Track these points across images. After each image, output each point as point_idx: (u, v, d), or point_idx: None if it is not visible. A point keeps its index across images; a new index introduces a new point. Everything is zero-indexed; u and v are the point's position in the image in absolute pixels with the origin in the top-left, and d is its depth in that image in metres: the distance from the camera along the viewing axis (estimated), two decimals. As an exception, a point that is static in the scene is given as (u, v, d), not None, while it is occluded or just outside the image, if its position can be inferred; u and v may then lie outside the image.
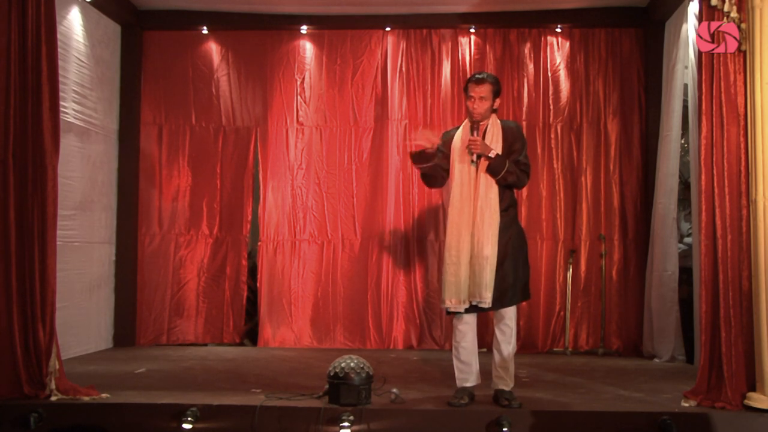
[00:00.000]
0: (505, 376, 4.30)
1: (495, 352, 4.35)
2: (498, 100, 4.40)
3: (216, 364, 5.90)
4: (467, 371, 4.36)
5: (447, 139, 4.46)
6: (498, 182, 4.28)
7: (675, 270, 6.11)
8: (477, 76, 4.39)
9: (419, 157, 4.38)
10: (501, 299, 4.25)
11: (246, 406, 4.15)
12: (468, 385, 4.35)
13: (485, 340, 5.83)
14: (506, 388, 4.28)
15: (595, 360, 6.30)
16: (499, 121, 4.42)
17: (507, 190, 4.36)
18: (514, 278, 4.28)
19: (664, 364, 5.95)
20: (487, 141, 4.31)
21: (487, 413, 4.08)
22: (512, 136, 4.39)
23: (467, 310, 4.30)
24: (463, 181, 4.30)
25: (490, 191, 4.27)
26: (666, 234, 6.22)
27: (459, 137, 4.40)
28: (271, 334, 6.97)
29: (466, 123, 4.43)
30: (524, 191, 6.84)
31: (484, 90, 4.31)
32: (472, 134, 4.27)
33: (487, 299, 4.18)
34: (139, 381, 5.04)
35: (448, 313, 4.40)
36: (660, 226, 6.28)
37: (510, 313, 4.32)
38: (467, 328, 4.35)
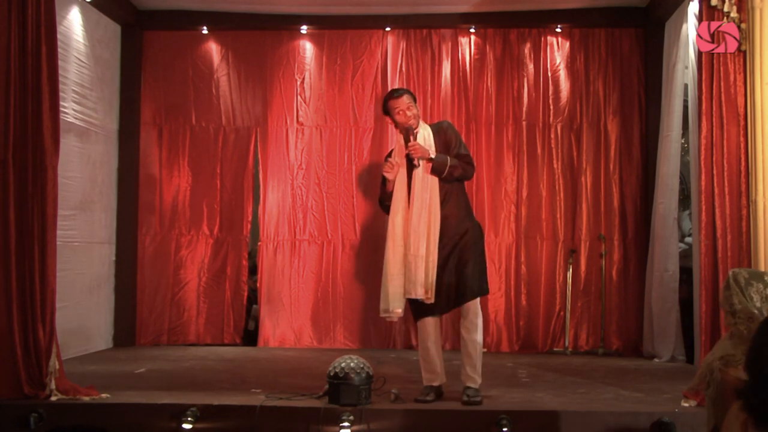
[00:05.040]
0: (472, 374, 4.32)
1: (462, 349, 4.38)
2: (417, 106, 4.55)
3: (216, 364, 5.91)
4: (432, 371, 4.40)
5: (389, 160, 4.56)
6: (445, 179, 4.36)
7: (675, 270, 6.11)
8: (395, 94, 4.51)
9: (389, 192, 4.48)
10: (460, 296, 4.31)
11: (246, 406, 4.15)
12: (434, 384, 4.39)
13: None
14: (473, 386, 4.30)
15: (595, 360, 6.30)
16: (426, 125, 4.53)
17: (454, 188, 4.42)
18: (471, 274, 4.32)
19: (664, 364, 5.94)
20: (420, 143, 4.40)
21: (487, 413, 4.08)
22: (444, 133, 4.50)
23: (428, 313, 4.34)
24: (398, 187, 4.39)
25: (425, 192, 4.33)
26: (666, 234, 6.21)
27: (395, 153, 4.50)
28: (271, 334, 6.97)
29: (398, 139, 4.53)
30: (524, 191, 6.86)
31: (405, 100, 4.44)
32: (409, 140, 4.37)
33: (420, 296, 4.24)
34: (139, 381, 5.04)
35: (416, 319, 4.48)
36: (660, 226, 6.28)
37: (473, 309, 4.35)
38: (431, 328, 4.41)
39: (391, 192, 4.43)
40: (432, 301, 4.28)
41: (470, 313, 4.35)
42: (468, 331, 4.35)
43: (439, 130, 4.52)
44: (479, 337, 4.38)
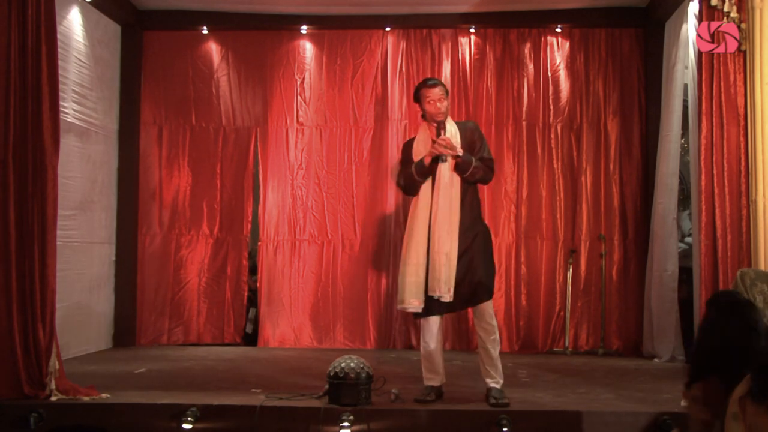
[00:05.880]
0: (494, 374, 4.31)
1: (481, 350, 4.37)
2: (449, 99, 4.48)
3: (216, 364, 5.90)
4: (434, 370, 4.40)
5: (409, 149, 4.50)
6: (466, 179, 4.32)
7: (675, 270, 6.11)
8: (429, 82, 4.45)
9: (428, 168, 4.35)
10: (474, 296, 4.28)
11: (246, 406, 4.15)
12: (435, 384, 4.39)
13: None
14: (496, 386, 4.29)
15: (595, 360, 6.30)
16: (453, 122, 4.48)
17: (470, 189, 4.39)
18: (484, 275, 4.30)
19: (664, 364, 5.94)
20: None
21: (487, 413, 4.07)
22: (471, 134, 4.45)
23: (436, 312, 4.32)
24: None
25: (450, 189, 4.29)
26: (666, 234, 6.22)
27: (419, 143, 4.44)
28: (271, 334, 6.97)
29: (423, 128, 4.48)
30: (524, 191, 6.86)
31: (438, 92, 4.38)
32: (439, 135, 4.30)
33: (443, 294, 4.20)
34: (139, 381, 5.04)
35: (416, 316, 4.43)
36: (660, 225, 6.28)
37: (489, 310, 4.34)
38: (434, 328, 4.38)
39: (428, 169, 4.30)
40: (451, 299, 4.24)
41: (486, 315, 4.32)
42: (485, 331, 4.33)
43: (465, 130, 4.46)
44: (497, 337, 4.37)
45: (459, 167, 4.30)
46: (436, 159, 4.28)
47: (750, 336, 2.48)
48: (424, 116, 4.46)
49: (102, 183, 6.60)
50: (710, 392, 2.54)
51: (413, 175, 4.37)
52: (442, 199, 4.27)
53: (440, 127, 4.32)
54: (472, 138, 4.43)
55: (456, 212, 4.29)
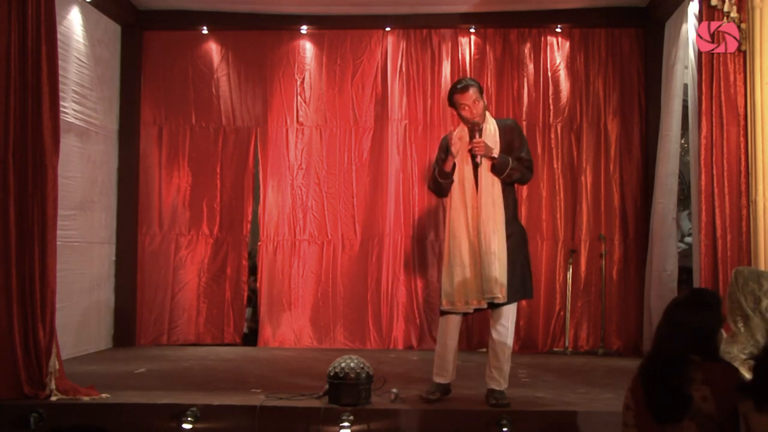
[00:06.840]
0: (498, 377, 4.27)
1: (490, 351, 4.34)
2: (484, 97, 4.40)
3: (216, 364, 5.91)
4: (445, 367, 4.37)
5: (446, 143, 4.46)
6: (503, 180, 4.28)
7: (674, 269, 6.11)
8: (459, 85, 4.36)
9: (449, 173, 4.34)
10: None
11: (246, 406, 4.15)
12: (442, 381, 4.37)
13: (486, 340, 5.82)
14: (498, 388, 4.26)
15: (595, 360, 6.30)
16: (493, 119, 4.42)
17: (508, 188, 4.35)
18: (511, 276, 4.25)
19: (664, 364, 5.93)
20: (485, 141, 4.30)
21: (487, 413, 4.08)
22: (510, 134, 4.39)
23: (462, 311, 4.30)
24: (463, 181, 4.30)
25: (493, 188, 4.26)
26: (665, 234, 6.22)
27: (456, 138, 4.40)
28: (271, 334, 6.97)
29: (461, 128, 4.43)
30: (524, 191, 6.85)
31: (472, 94, 4.29)
32: (474, 137, 4.25)
33: (498, 295, 4.16)
34: (139, 381, 5.04)
35: (443, 312, 4.37)
36: (659, 225, 6.28)
37: (507, 313, 4.29)
38: (453, 326, 4.36)
39: (450, 172, 4.28)
40: (505, 299, 4.19)
41: (502, 317, 4.29)
42: (499, 333, 4.29)
43: (504, 129, 4.40)
44: (509, 341, 4.32)
45: (495, 169, 4.25)
46: (475, 163, 4.25)
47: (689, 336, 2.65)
48: (461, 118, 4.39)
49: (102, 183, 6.60)
50: (636, 386, 2.80)
51: (437, 179, 4.36)
52: (485, 198, 4.22)
53: (475, 128, 4.26)
54: (510, 137, 4.37)
55: (500, 211, 4.24)
